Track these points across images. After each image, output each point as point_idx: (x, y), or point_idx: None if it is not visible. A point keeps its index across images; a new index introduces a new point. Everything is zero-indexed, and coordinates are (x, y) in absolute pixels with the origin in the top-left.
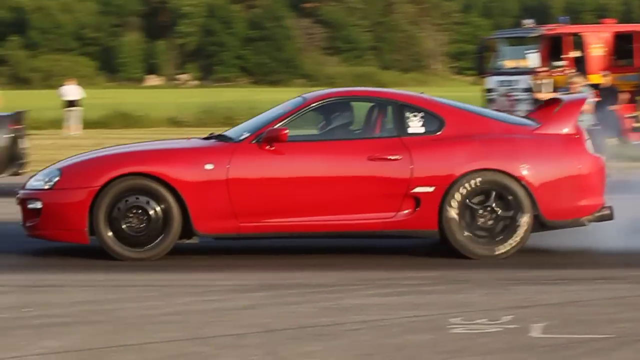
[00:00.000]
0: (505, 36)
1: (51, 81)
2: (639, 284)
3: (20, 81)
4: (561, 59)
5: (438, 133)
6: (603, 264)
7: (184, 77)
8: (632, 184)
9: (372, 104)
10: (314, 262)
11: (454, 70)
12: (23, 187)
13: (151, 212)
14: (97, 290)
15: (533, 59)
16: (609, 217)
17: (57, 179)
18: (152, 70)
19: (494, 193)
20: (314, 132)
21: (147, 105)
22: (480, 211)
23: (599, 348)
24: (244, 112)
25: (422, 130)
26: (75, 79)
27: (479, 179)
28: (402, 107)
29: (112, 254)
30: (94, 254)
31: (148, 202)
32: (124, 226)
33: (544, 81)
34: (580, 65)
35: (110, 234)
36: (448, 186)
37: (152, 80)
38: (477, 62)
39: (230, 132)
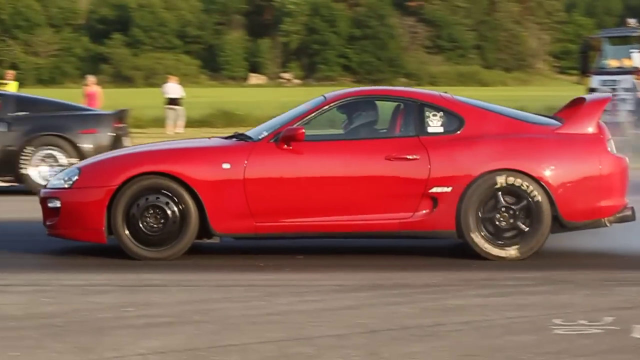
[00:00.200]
0: (609, 35)
1: (153, 79)
2: None
3: (122, 79)
4: None
5: (457, 132)
6: None
7: (286, 75)
8: None
9: (392, 103)
10: (415, 263)
11: (557, 69)
12: (45, 186)
13: (168, 212)
14: (199, 290)
15: (637, 58)
16: (631, 218)
17: (76, 177)
18: (254, 68)
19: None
20: (333, 131)
21: (250, 104)
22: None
23: None
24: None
25: (442, 129)
26: (178, 77)
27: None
28: (422, 107)
29: (130, 253)
30: (196, 253)
31: (165, 202)
32: (141, 225)
33: None
34: None
35: (127, 232)
36: (466, 186)
37: (255, 79)
38: (581, 61)
39: (251, 132)
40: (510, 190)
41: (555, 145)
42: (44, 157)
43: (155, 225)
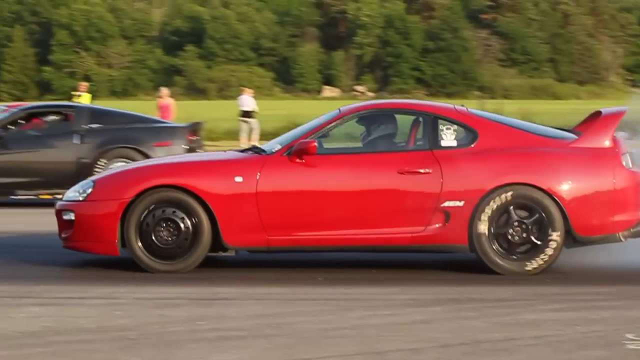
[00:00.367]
0: None
1: (227, 92)
2: None
3: (196, 91)
4: None
5: (471, 146)
6: None
7: (360, 88)
8: None
9: (406, 117)
10: (487, 277)
11: (630, 82)
12: (61, 199)
13: (181, 225)
14: (272, 303)
15: None
16: None
17: (90, 190)
18: (328, 81)
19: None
20: (346, 144)
21: None
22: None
23: None
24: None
25: (455, 143)
26: (252, 89)
27: (510, 193)
28: (436, 120)
29: (142, 265)
30: (269, 266)
31: (179, 215)
32: (154, 238)
33: None
34: None
35: (140, 245)
36: (478, 200)
37: (329, 91)
38: None
39: (266, 145)
40: (523, 205)
41: (569, 159)
42: None
43: (168, 238)
